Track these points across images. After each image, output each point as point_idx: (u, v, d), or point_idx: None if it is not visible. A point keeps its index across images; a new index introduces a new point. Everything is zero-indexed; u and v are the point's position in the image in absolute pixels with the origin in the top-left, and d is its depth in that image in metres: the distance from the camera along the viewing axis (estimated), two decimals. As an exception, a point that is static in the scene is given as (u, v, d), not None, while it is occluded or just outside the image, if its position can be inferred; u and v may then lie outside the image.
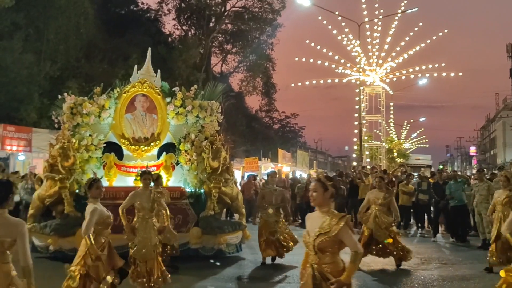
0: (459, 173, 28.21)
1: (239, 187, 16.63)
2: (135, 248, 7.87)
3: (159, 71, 13.09)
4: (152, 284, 7.80)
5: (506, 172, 10.99)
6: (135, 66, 13.39)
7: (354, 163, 40.09)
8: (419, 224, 17.06)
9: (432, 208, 16.33)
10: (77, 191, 11.37)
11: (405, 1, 33.63)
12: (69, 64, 31.32)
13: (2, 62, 25.39)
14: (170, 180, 12.06)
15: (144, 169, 9.43)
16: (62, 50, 30.80)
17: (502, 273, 6.33)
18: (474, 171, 49.24)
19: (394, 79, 36.55)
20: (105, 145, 12.11)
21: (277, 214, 10.82)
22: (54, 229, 10.95)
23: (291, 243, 10.96)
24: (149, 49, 13.40)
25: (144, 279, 7.77)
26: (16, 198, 15.05)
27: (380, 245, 10.41)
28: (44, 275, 7.93)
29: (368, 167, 23.48)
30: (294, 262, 10.86)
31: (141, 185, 8.53)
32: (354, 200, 17.24)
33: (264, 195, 10.94)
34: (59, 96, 12.60)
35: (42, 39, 29.52)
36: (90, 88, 13.07)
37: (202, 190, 11.60)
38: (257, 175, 24.97)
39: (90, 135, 11.88)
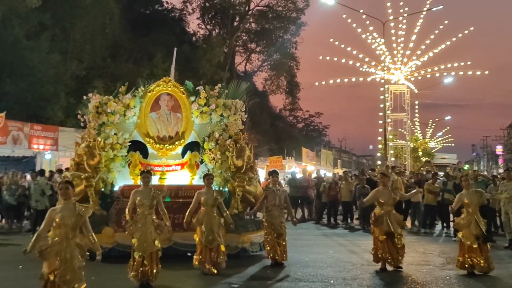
0: (485, 172, 27.82)
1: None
2: (137, 243, 8.40)
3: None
4: (147, 277, 8.33)
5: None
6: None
7: (379, 162, 39.85)
8: (445, 224, 16.90)
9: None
10: (102, 189, 11.52)
11: (430, -1, 33.44)
12: (95, 64, 31.71)
13: (29, 62, 25.78)
14: (194, 179, 12.09)
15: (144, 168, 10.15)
16: (88, 50, 31.20)
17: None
18: (500, 171, 48.57)
19: (419, 77, 36.38)
20: (130, 143, 12.20)
21: (282, 215, 10.72)
22: (80, 227, 11.06)
23: None
24: (175, 49, 13.48)
25: (139, 272, 8.29)
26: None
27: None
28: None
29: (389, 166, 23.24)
30: (318, 262, 10.86)
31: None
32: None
33: (267, 196, 10.64)
34: (84, 96, 12.77)
35: (68, 39, 29.93)
36: (115, 87, 13.19)
37: (226, 189, 11.60)
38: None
39: (115, 134, 11.97)
